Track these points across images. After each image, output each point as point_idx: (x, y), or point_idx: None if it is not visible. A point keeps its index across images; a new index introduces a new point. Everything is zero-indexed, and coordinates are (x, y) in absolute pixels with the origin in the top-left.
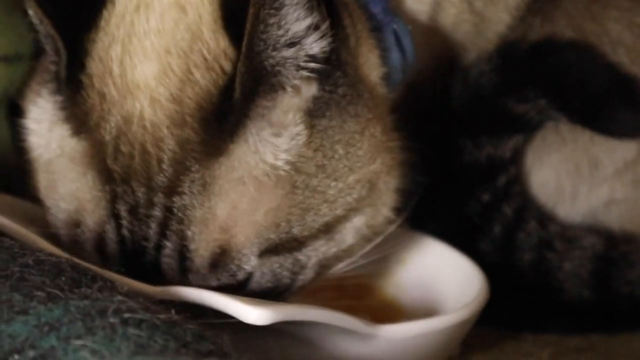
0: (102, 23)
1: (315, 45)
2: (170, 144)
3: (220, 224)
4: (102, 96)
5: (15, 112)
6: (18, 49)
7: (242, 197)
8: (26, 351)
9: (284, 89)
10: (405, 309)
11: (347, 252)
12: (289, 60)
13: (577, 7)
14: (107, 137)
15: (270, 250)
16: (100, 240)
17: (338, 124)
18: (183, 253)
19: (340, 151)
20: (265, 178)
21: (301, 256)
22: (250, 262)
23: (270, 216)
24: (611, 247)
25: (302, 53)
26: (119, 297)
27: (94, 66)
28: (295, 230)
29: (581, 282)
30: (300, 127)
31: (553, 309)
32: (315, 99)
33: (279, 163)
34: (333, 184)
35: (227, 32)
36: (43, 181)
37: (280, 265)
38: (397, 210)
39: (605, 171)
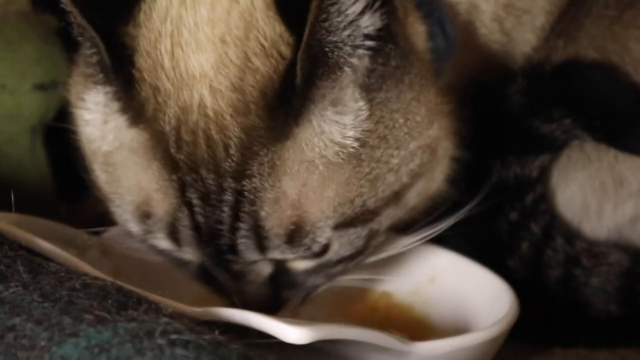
0: (142, 16)
1: (369, 23)
2: (235, 131)
3: (292, 202)
4: (156, 89)
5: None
6: (54, 77)
7: (311, 176)
8: None
9: (341, 68)
10: (435, 326)
11: (408, 214)
12: (346, 41)
13: (599, 28)
14: (167, 128)
15: (346, 224)
16: (172, 227)
17: (395, 95)
18: (258, 232)
19: (400, 120)
20: (334, 157)
21: (375, 225)
22: (325, 235)
23: (342, 192)
24: (637, 263)
25: (358, 33)
26: (165, 319)
27: (142, 61)
28: (369, 203)
29: (608, 297)
30: (361, 103)
31: (581, 324)
32: (371, 73)
33: (347, 141)
34: (396, 152)
35: (282, 18)
36: (103, 175)
37: (357, 236)
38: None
39: (630, 188)
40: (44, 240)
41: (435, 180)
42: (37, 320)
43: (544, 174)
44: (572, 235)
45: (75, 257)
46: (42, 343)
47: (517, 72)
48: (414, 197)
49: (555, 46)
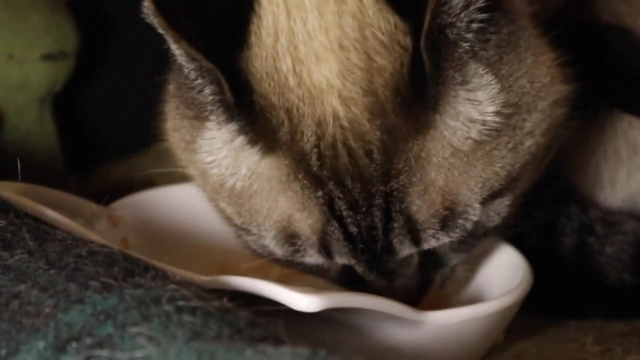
0: (253, 38)
1: None
2: (375, 134)
3: (441, 188)
4: (288, 110)
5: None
6: (62, 47)
7: (456, 159)
8: (83, 339)
9: (460, 46)
10: (448, 296)
11: (539, 171)
12: (463, 20)
13: None
14: (307, 147)
15: (493, 196)
16: (323, 242)
17: (517, 61)
18: (412, 226)
19: (527, 85)
20: (477, 134)
21: (517, 190)
22: (476, 212)
23: (487, 166)
24: None
25: (473, 8)
26: (172, 286)
27: (265, 85)
28: (512, 171)
29: (622, 266)
30: (488, 77)
31: (595, 294)
32: (487, 45)
33: (487, 117)
34: (528, 117)
35: (393, 7)
36: (231, 207)
37: (503, 204)
38: None
39: None
40: (51, 209)
41: (562, 128)
42: (43, 287)
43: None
44: (586, 203)
45: (82, 227)
46: (47, 310)
47: None
48: (546, 153)
49: (570, 10)
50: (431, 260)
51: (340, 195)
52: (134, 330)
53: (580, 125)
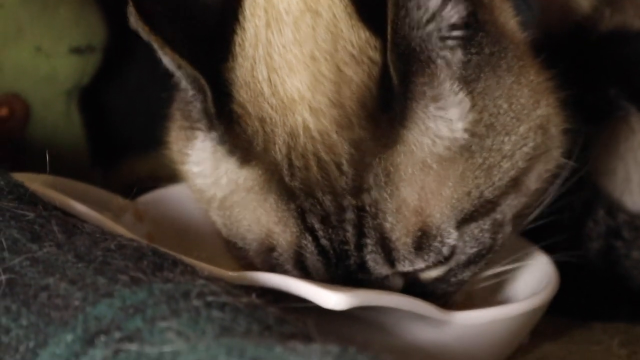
0: (237, 49)
1: (453, 13)
2: (344, 147)
3: (414, 208)
4: (261, 119)
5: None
6: (90, 41)
7: (427, 177)
8: (112, 332)
9: (434, 62)
10: (475, 297)
11: (532, 198)
12: (433, 35)
13: None
14: (279, 157)
15: (468, 219)
16: (299, 256)
17: (495, 81)
18: (385, 245)
19: (504, 106)
20: (445, 152)
21: (497, 215)
22: (451, 236)
23: (459, 186)
24: None
25: (444, 24)
26: (201, 281)
27: (242, 93)
28: (487, 193)
29: None
30: (461, 95)
31: (622, 297)
32: (466, 65)
33: (457, 134)
34: (506, 139)
35: (365, 23)
36: (221, 219)
37: (480, 229)
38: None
39: None
40: (79, 202)
41: (554, 157)
42: (71, 280)
43: (587, 145)
44: (613, 207)
45: (109, 220)
46: (76, 303)
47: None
48: (534, 181)
49: (602, 15)
50: (417, 289)
51: (312, 207)
52: (162, 324)
53: (609, 130)
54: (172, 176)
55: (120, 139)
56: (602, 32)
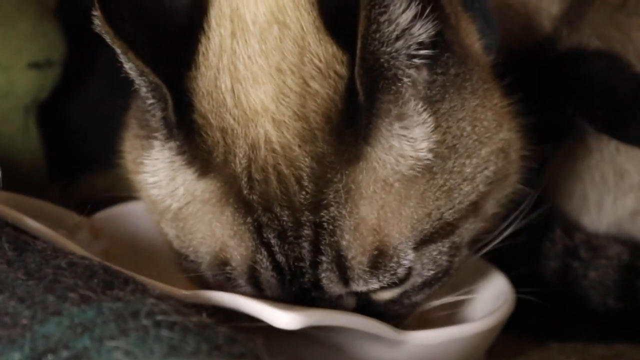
0: (201, 58)
1: (422, 31)
2: (305, 161)
3: (372, 226)
4: (223, 130)
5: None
6: (48, 56)
7: (388, 196)
8: (60, 351)
9: (400, 80)
10: (430, 317)
11: (490, 222)
12: (401, 52)
13: (602, 17)
14: (238, 169)
15: (426, 241)
16: (252, 271)
17: (459, 103)
18: (341, 263)
19: (467, 128)
20: (408, 171)
21: (456, 238)
22: (408, 257)
23: (419, 207)
24: (637, 257)
25: (412, 42)
26: (151, 300)
27: (204, 103)
28: (447, 215)
29: (606, 291)
30: (425, 115)
31: (578, 317)
32: (432, 85)
33: (421, 154)
34: (468, 161)
35: (333, 37)
36: (173, 231)
37: (439, 252)
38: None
39: (631, 181)
40: (32, 219)
41: (512, 182)
42: (20, 298)
43: (544, 164)
44: (570, 227)
45: (63, 237)
46: (25, 321)
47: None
48: (492, 205)
49: (560, 35)
50: (369, 310)
51: (269, 222)
52: (111, 344)
53: (566, 149)
54: (130, 193)
55: (79, 155)
56: (560, 52)
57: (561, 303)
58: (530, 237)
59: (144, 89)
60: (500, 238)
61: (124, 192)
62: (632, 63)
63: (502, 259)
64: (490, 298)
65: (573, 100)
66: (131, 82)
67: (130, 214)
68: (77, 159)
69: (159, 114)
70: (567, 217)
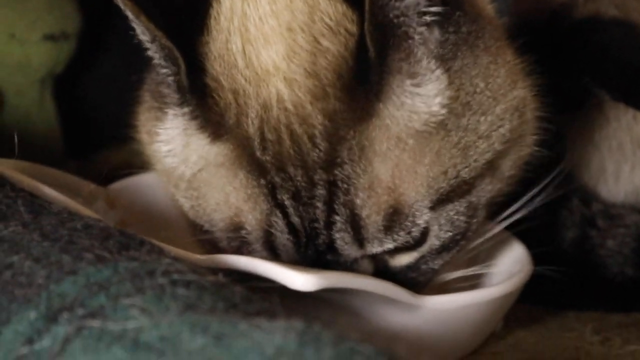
0: (212, 22)
1: None
2: (318, 118)
3: (387, 184)
4: (235, 92)
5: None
6: (63, 28)
7: (402, 153)
8: (75, 309)
9: (412, 38)
10: (448, 282)
11: (506, 184)
12: (410, 8)
13: None
14: (251, 130)
15: (443, 200)
16: (268, 235)
17: (472, 60)
18: (355, 222)
19: (481, 84)
20: (422, 127)
21: (473, 198)
22: (423, 216)
23: (434, 165)
24: None
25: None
26: (167, 260)
27: (216, 66)
28: (463, 173)
29: (624, 259)
30: (438, 72)
31: (596, 286)
32: (444, 43)
33: (434, 109)
34: (482, 118)
35: None
36: (188, 201)
37: (456, 212)
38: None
39: None
40: (48, 187)
41: (528, 143)
42: (36, 258)
43: (561, 134)
44: (588, 196)
45: (79, 205)
46: (40, 281)
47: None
48: (509, 166)
49: (576, 2)
50: (387, 276)
51: (283, 183)
52: (126, 301)
53: (583, 118)
54: (145, 166)
55: (94, 130)
56: (576, 20)
57: (578, 272)
58: (548, 206)
59: (156, 55)
60: (526, 210)
61: (139, 167)
62: None
63: (520, 228)
64: (508, 265)
65: (589, 69)
66: (145, 57)
67: (145, 184)
68: (92, 135)
69: (171, 79)
70: (585, 187)
